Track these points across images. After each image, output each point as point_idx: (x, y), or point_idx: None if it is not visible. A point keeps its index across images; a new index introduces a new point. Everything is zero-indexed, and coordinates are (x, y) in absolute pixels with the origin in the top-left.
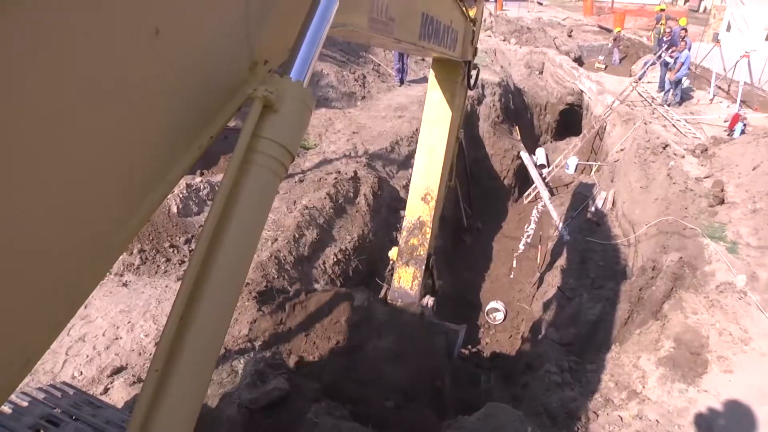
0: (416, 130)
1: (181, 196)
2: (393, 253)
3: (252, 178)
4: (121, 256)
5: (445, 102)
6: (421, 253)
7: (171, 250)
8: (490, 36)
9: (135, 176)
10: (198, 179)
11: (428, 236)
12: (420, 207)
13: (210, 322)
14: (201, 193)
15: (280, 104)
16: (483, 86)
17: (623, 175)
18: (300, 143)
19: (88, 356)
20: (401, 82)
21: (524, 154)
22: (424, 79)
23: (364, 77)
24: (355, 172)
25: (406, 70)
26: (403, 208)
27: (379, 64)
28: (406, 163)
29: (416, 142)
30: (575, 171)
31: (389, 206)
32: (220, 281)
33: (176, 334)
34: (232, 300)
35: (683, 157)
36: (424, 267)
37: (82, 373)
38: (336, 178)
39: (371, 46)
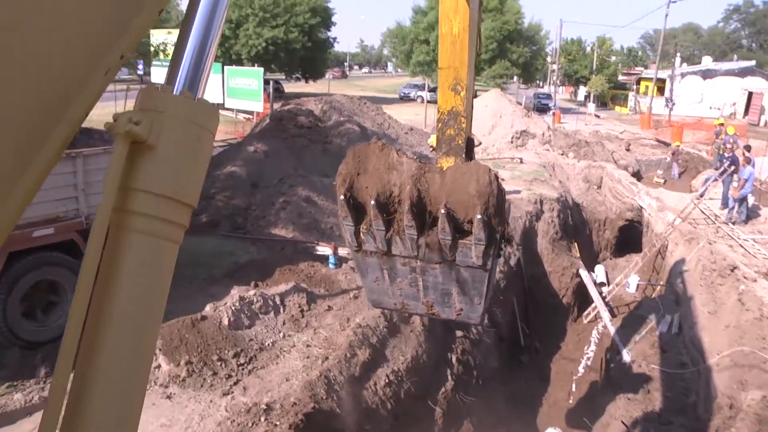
0: None
1: (233, 308)
2: (432, 140)
3: (130, 254)
4: (167, 367)
5: None
6: (459, 142)
7: (219, 363)
8: (548, 150)
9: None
10: (252, 291)
11: (464, 125)
12: (451, 98)
13: None
14: (254, 306)
15: (156, 136)
16: (541, 202)
17: (689, 298)
18: (200, 185)
19: None
20: None
21: (583, 273)
22: None
23: None
24: None
25: None
26: (460, 328)
27: None
28: None
29: None
30: (636, 290)
31: (444, 325)
32: (107, 400)
33: None
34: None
35: (755, 281)
36: (464, 154)
37: None
38: None
39: None
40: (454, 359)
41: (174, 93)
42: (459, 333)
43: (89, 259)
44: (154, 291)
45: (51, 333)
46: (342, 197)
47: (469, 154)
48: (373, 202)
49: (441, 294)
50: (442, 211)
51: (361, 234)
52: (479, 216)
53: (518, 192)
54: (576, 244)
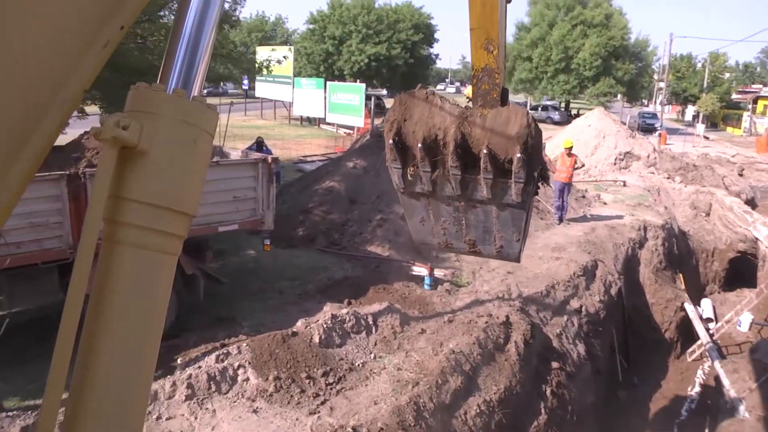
0: (574, 273)
1: (325, 326)
2: (468, 91)
3: (123, 269)
4: (255, 381)
5: None
6: (494, 95)
7: (307, 381)
8: (653, 173)
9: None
10: (344, 309)
11: (498, 81)
12: (484, 56)
13: None
14: (346, 325)
15: (148, 140)
16: (645, 229)
17: None
18: (199, 191)
19: None
20: (560, 220)
21: (689, 307)
22: (585, 218)
23: None
24: (507, 317)
25: (565, 207)
26: (556, 359)
27: (539, 200)
28: (562, 308)
29: (573, 287)
30: (749, 329)
31: (540, 355)
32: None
33: None
34: None
35: None
36: (499, 105)
37: None
38: (487, 322)
39: None
40: (548, 392)
41: (166, 92)
42: (555, 365)
43: (78, 276)
44: (149, 307)
45: None
46: (391, 141)
47: (504, 104)
48: (419, 145)
49: (482, 232)
50: (485, 151)
51: (409, 176)
52: (519, 155)
53: (621, 217)
54: (681, 275)
